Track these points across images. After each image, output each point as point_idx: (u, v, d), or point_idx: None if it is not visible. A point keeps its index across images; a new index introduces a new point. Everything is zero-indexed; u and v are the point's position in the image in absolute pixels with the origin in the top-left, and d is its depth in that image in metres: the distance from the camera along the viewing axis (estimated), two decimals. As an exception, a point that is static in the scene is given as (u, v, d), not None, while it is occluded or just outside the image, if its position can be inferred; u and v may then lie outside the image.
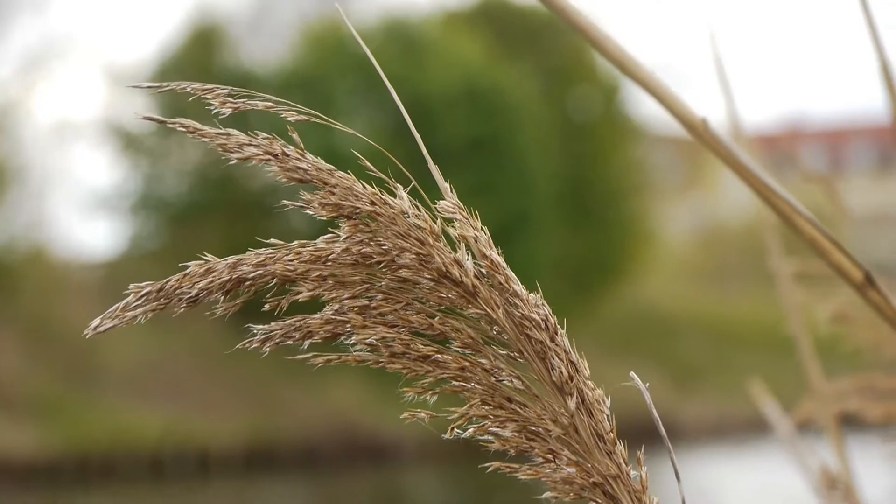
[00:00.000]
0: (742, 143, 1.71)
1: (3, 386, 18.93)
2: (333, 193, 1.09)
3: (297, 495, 18.14)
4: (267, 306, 1.08)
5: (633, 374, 1.09)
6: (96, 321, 1.07)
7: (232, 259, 1.08)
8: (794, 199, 1.21)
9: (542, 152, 23.47)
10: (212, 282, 1.07)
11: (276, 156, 1.09)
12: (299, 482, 18.73)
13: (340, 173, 1.09)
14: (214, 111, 1.09)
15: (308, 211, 1.08)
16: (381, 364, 1.08)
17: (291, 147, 1.09)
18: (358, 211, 1.09)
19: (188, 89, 1.09)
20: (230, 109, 1.09)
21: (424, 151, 1.10)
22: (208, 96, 1.09)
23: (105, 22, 40.81)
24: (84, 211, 23.48)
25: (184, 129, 1.07)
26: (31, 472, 17.87)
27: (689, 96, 1.18)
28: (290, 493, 18.20)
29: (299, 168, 1.09)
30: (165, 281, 1.08)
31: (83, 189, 25.44)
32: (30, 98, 23.28)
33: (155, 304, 1.08)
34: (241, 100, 1.09)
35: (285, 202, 1.10)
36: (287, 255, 1.08)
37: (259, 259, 1.08)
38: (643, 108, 26.35)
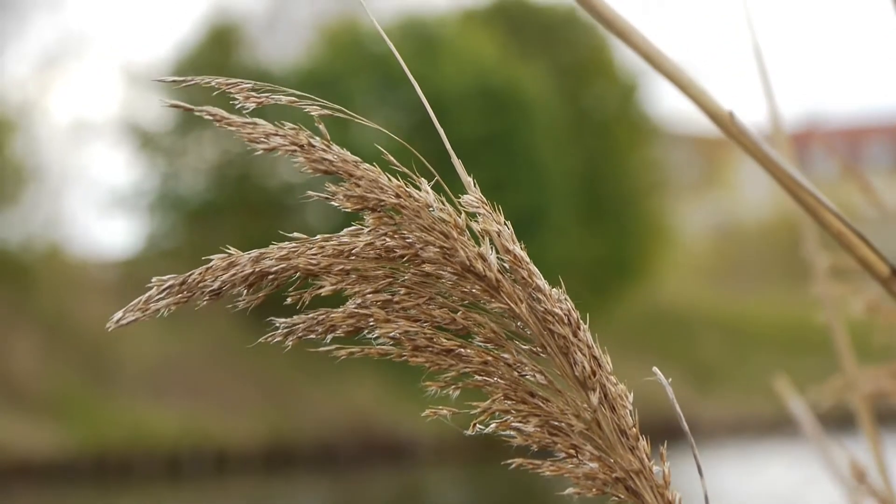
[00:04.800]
0: (780, 139, 1.70)
1: (21, 384, 18.96)
2: (358, 185, 1.08)
3: (315, 494, 18.14)
4: (290, 300, 1.07)
5: (655, 368, 1.09)
6: (119, 314, 1.07)
7: (255, 253, 1.08)
8: (821, 193, 1.21)
9: (558, 150, 23.42)
10: (234, 275, 1.07)
11: (302, 146, 1.09)
12: (317, 481, 18.74)
13: (366, 165, 1.09)
14: (238, 105, 1.08)
15: (333, 203, 1.08)
16: (403, 357, 1.08)
17: (317, 138, 1.09)
18: (382, 203, 1.08)
19: (212, 83, 1.09)
20: (254, 104, 1.09)
21: (448, 146, 1.09)
22: (232, 91, 1.09)
23: (122, 20, 40.89)
24: (101, 209, 23.49)
25: (211, 118, 1.07)
26: (49, 471, 17.89)
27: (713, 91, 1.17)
28: (308, 491, 18.21)
29: (325, 159, 1.09)
30: (188, 274, 1.07)
31: (100, 188, 25.44)
32: (46, 97, 23.33)
33: (178, 297, 1.07)
34: (265, 94, 1.09)
35: (310, 193, 1.09)
36: (310, 248, 1.08)
37: (282, 253, 1.08)
38: (661, 105, 26.30)
